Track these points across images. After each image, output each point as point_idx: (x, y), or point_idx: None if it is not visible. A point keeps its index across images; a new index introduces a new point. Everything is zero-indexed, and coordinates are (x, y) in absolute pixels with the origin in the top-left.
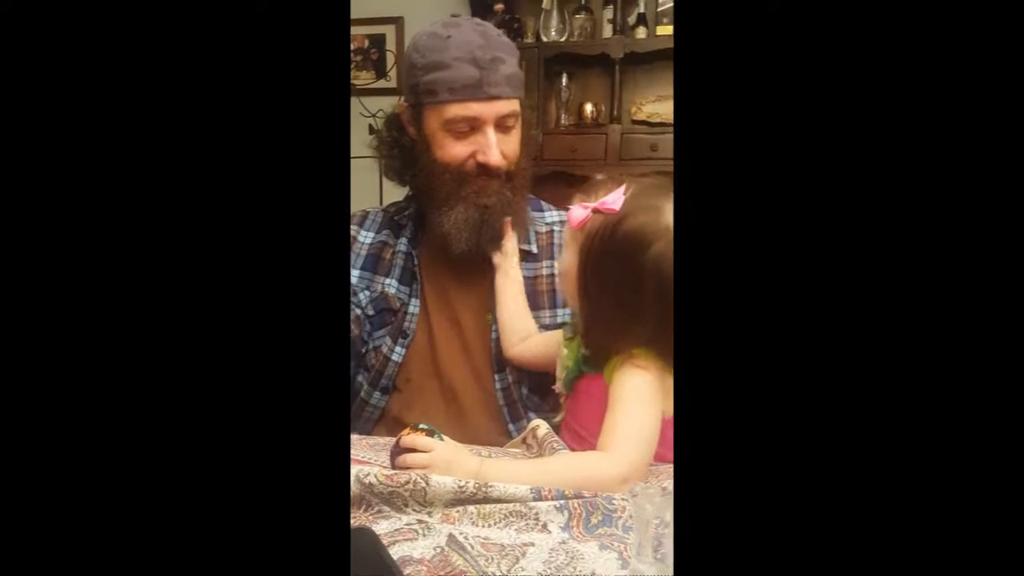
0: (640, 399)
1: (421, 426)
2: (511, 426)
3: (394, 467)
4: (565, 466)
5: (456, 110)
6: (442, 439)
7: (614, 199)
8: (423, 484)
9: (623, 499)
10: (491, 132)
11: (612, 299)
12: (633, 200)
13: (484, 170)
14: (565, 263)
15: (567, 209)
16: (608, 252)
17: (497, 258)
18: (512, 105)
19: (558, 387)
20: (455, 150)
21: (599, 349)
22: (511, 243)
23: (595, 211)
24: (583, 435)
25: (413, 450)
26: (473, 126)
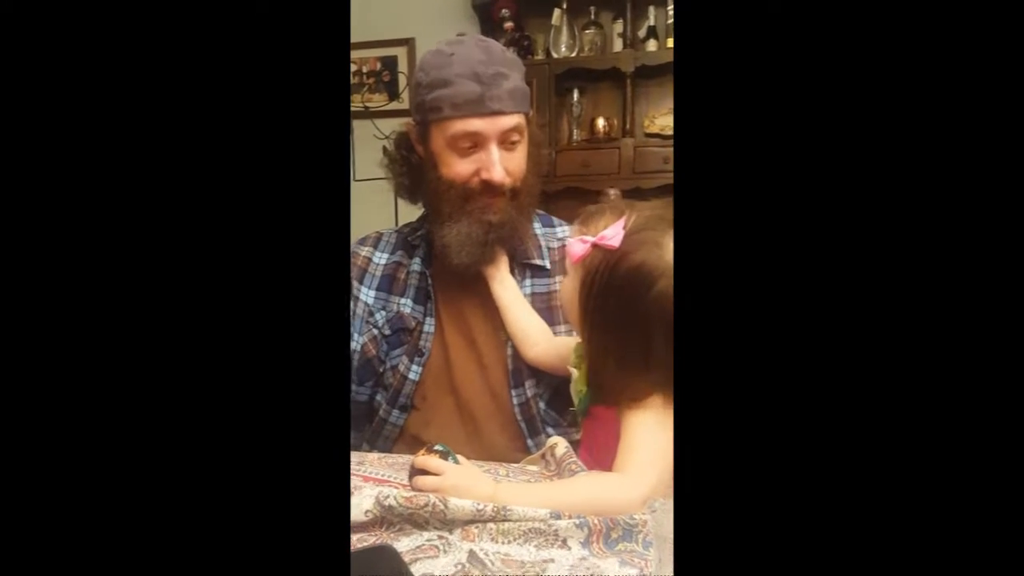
0: (655, 424)
1: (436, 447)
2: (530, 441)
3: (412, 487)
4: (583, 490)
5: (459, 126)
6: (456, 461)
7: (613, 234)
8: (442, 507)
9: (643, 515)
10: (494, 149)
11: (616, 341)
12: (634, 235)
13: (489, 187)
14: (566, 290)
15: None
16: (609, 291)
17: (489, 271)
18: (516, 120)
19: (574, 408)
20: (459, 167)
21: (607, 390)
22: (501, 255)
23: (594, 246)
24: (600, 456)
25: (427, 471)
26: (476, 142)
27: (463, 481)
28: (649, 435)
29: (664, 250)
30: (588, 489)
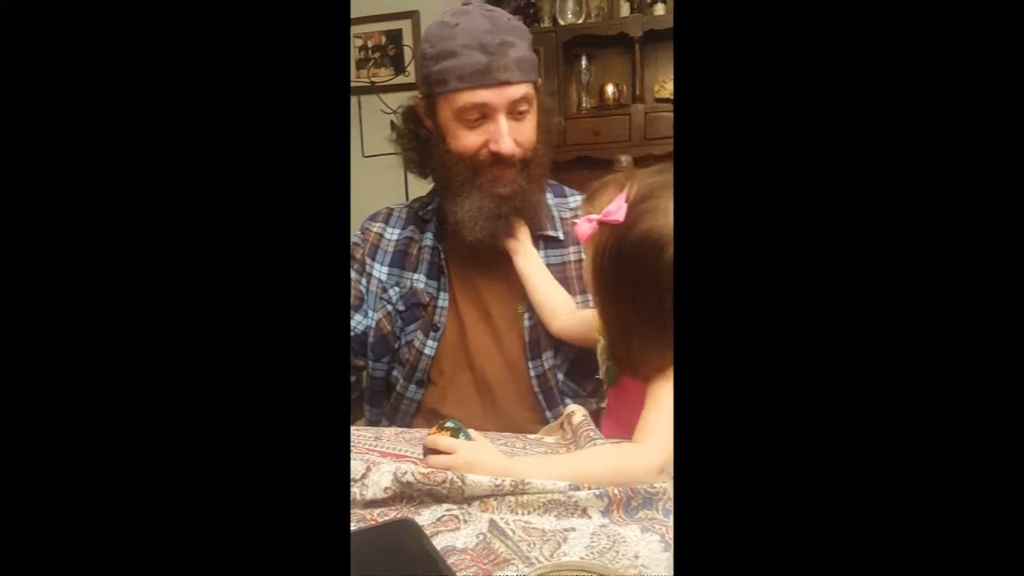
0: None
1: (447, 424)
2: (548, 413)
3: (426, 465)
4: (599, 460)
5: (466, 98)
6: (468, 436)
7: (617, 208)
8: (460, 483)
9: (663, 484)
10: (502, 120)
11: (632, 312)
12: (637, 205)
13: (497, 159)
14: (585, 267)
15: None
16: (619, 263)
17: (511, 244)
18: (524, 90)
19: (601, 375)
20: (468, 140)
21: (627, 362)
22: (522, 227)
23: (600, 223)
24: (626, 425)
25: (438, 450)
26: (484, 113)
27: (476, 457)
28: (668, 404)
29: (669, 216)
30: (603, 460)
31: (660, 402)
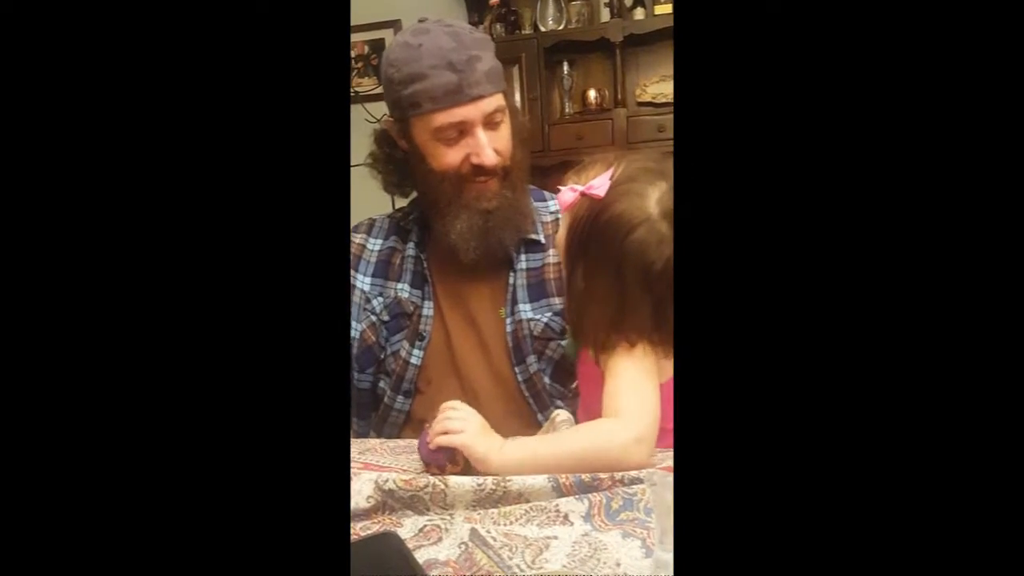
0: (635, 369)
1: None
2: (540, 416)
3: (426, 451)
4: (579, 436)
5: (443, 118)
6: None
7: (600, 183)
8: (442, 487)
9: (642, 484)
10: (480, 133)
11: (595, 287)
12: (619, 186)
13: (480, 171)
14: (559, 235)
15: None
16: (591, 237)
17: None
18: (496, 100)
19: (564, 348)
20: (449, 157)
21: (587, 338)
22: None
23: (582, 195)
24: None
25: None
26: (462, 130)
27: (483, 431)
28: (633, 380)
29: (646, 200)
30: (584, 435)
31: (620, 379)
